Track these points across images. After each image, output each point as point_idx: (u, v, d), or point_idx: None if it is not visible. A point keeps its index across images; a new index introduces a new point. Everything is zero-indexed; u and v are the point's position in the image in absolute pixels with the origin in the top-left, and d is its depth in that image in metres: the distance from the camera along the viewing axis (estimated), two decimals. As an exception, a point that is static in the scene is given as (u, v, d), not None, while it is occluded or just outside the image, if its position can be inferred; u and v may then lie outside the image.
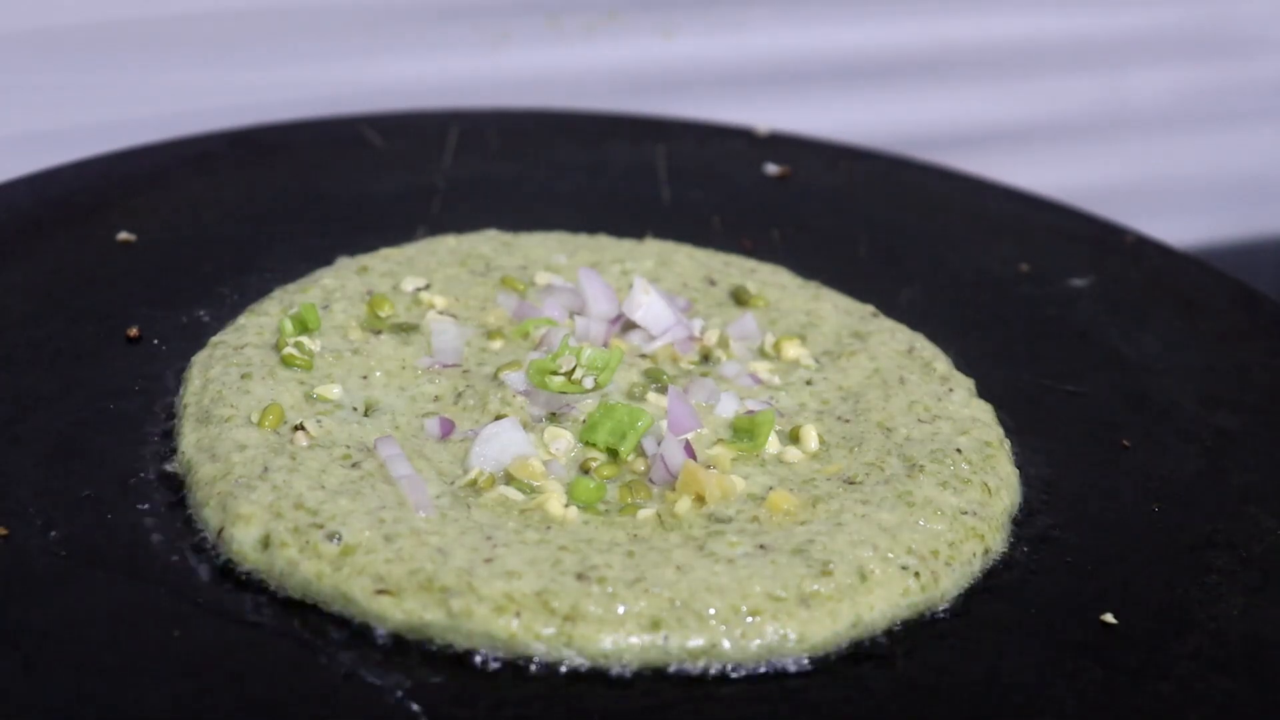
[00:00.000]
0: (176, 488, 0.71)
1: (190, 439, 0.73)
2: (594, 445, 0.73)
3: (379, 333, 0.80)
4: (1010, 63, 1.37)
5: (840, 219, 0.99)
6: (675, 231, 0.93)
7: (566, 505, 0.70)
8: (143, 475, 0.72)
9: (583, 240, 0.90)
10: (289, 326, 0.78)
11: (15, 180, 0.92)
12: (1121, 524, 0.74)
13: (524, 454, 0.72)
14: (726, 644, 0.65)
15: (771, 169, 1.03)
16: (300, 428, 0.72)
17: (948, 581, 0.69)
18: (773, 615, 0.66)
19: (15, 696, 0.60)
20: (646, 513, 0.70)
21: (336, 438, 0.73)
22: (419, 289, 0.83)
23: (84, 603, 0.65)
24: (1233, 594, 0.70)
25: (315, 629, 0.65)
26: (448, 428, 0.74)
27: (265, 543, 0.67)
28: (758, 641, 0.65)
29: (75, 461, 0.72)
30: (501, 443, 0.72)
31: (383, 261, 0.86)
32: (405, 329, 0.80)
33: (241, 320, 0.80)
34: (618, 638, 0.64)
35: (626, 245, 0.90)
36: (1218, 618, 0.69)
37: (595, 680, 0.64)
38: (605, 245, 0.90)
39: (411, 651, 0.64)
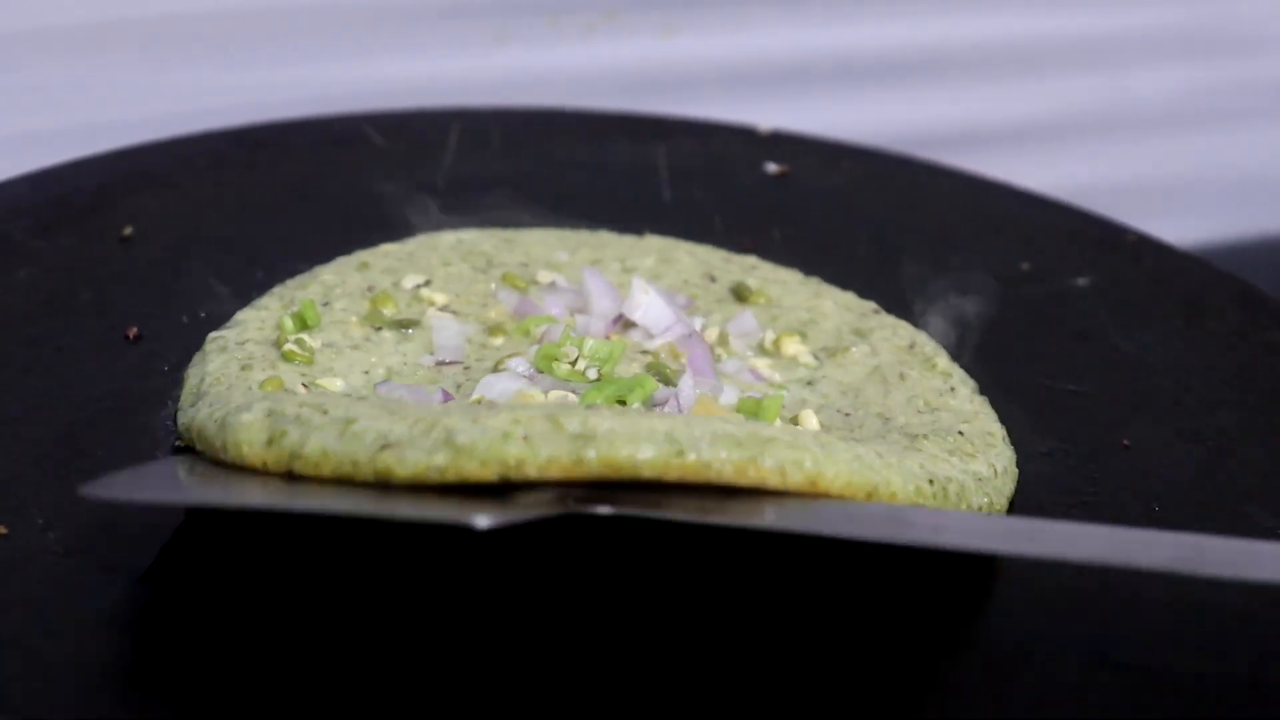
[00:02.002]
0: (176, 487, 0.71)
1: (185, 415, 0.72)
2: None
3: (379, 328, 0.80)
4: (1010, 63, 1.37)
5: (840, 218, 0.99)
6: (676, 231, 0.93)
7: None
8: (143, 475, 0.72)
9: (584, 236, 0.90)
10: (289, 324, 0.78)
11: (15, 179, 0.92)
12: (1121, 524, 0.74)
13: (525, 392, 0.72)
14: (743, 458, 0.64)
15: (771, 168, 1.03)
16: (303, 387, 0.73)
17: (961, 499, 0.70)
18: (790, 443, 0.65)
19: (16, 696, 0.60)
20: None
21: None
22: (419, 285, 0.83)
23: (84, 603, 0.65)
24: (1232, 594, 0.70)
25: (317, 628, 0.65)
26: (448, 399, 0.74)
27: (269, 440, 0.66)
28: (774, 465, 0.64)
29: (75, 461, 0.72)
30: (501, 388, 0.73)
31: (383, 258, 0.86)
32: (406, 324, 0.80)
33: (240, 316, 0.80)
34: (634, 448, 0.63)
35: (627, 241, 0.90)
36: (1218, 618, 0.69)
37: (597, 668, 0.64)
38: (606, 241, 0.90)
39: (415, 648, 0.64)
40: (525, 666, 0.64)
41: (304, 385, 0.75)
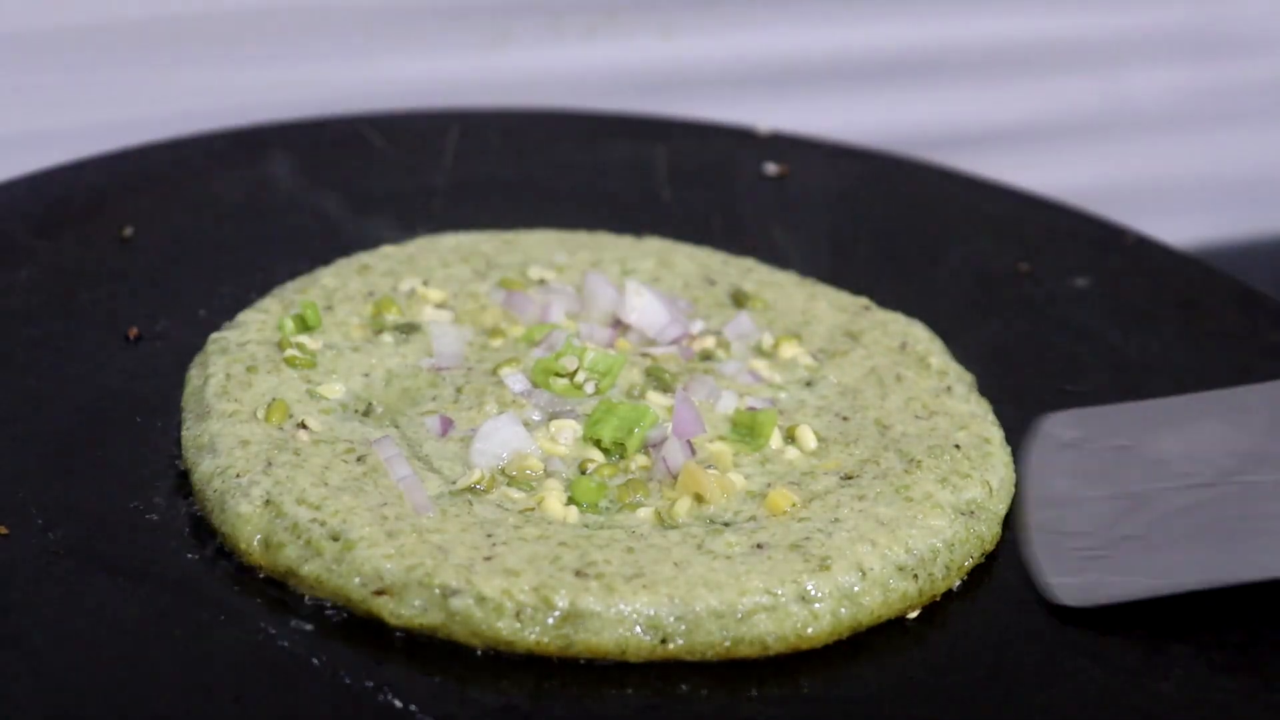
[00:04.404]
0: (177, 487, 0.71)
1: (190, 434, 0.73)
2: (599, 443, 0.73)
3: (380, 331, 0.80)
4: (1010, 63, 1.37)
5: (840, 219, 0.99)
6: (675, 231, 0.93)
7: (567, 504, 0.70)
8: (143, 475, 0.72)
9: (583, 239, 0.90)
10: (290, 325, 0.78)
11: (15, 180, 0.92)
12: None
13: (523, 449, 0.72)
14: (724, 640, 0.65)
15: (771, 169, 1.03)
16: (303, 425, 0.73)
17: (945, 581, 0.69)
18: (770, 610, 0.66)
19: (16, 696, 0.60)
20: (646, 511, 0.70)
21: (339, 434, 0.73)
22: (414, 288, 0.83)
23: (84, 603, 0.65)
24: (1233, 593, 0.70)
25: (316, 628, 0.65)
26: (447, 425, 0.74)
27: (266, 543, 0.67)
28: (755, 637, 0.65)
29: (75, 461, 0.72)
30: (501, 439, 0.72)
31: (383, 260, 0.86)
32: (406, 329, 0.80)
33: (242, 317, 0.80)
34: (617, 634, 0.64)
35: (626, 242, 0.90)
36: (1218, 618, 0.69)
37: (596, 676, 0.64)
38: (605, 243, 0.90)
39: (413, 650, 0.64)
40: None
41: (308, 392, 0.75)
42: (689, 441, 0.73)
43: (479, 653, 0.64)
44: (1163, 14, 1.40)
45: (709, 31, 1.28)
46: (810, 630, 0.66)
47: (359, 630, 0.65)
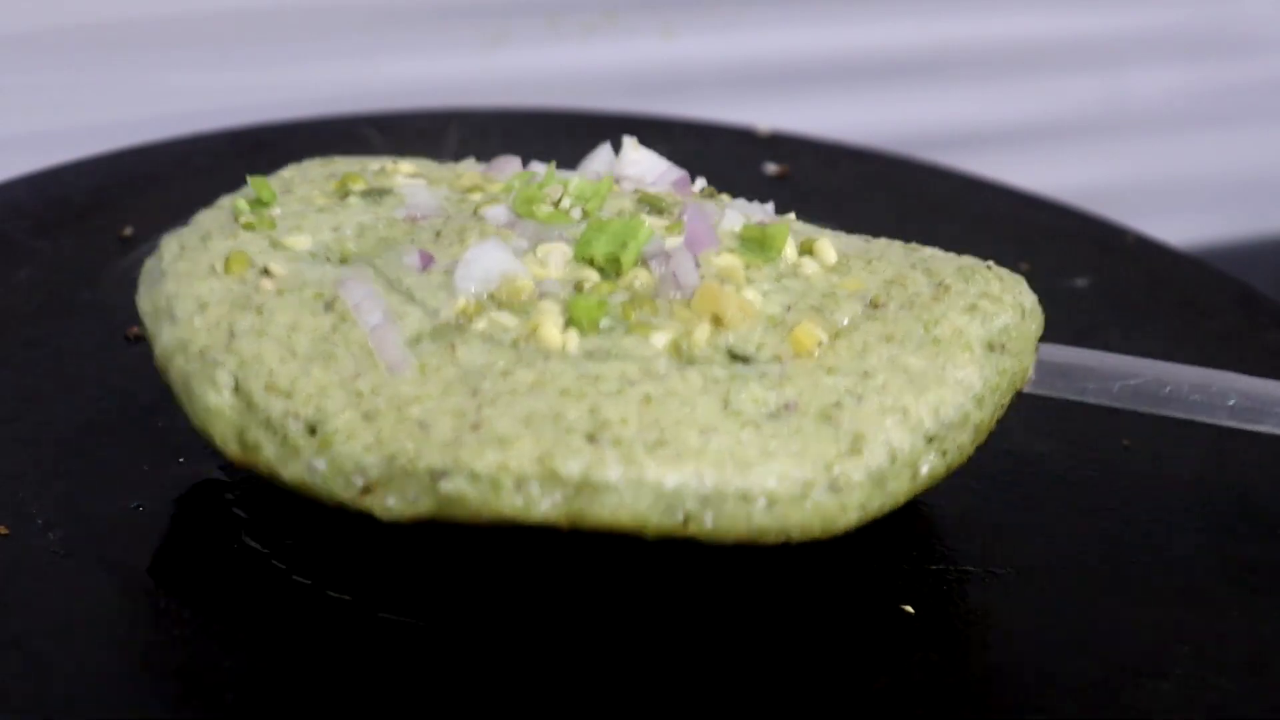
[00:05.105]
0: (177, 486, 0.71)
1: (146, 301, 0.67)
2: (591, 262, 0.67)
3: (346, 196, 0.73)
4: (1010, 63, 1.37)
5: (840, 219, 0.99)
6: (675, 231, 0.93)
7: (565, 329, 0.64)
8: (143, 475, 0.72)
9: None
10: (243, 204, 0.72)
11: (16, 180, 0.92)
12: (1122, 524, 0.74)
13: (512, 272, 0.66)
14: (749, 529, 0.61)
15: (771, 168, 1.03)
16: (266, 272, 0.67)
17: (974, 445, 0.67)
18: (800, 500, 0.62)
19: (15, 696, 0.60)
20: (661, 339, 0.64)
21: (307, 278, 0.67)
22: (383, 165, 0.77)
23: (84, 603, 0.65)
24: (1232, 595, 0.70)
25: (316, 626, 0.65)
26: (428, 260, 0.68)
27: (242, 442, 0.63)
28: (780, 529, 0.62)
29: (76, 461, 0.72)
30: (487, 262, 0.66)
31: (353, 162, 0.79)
32: (376, 193, 0.73)
33: (196, 217, 0.74)
34: (636, 510, 0.60)
35: None
36: (1218, 618, 0.69)
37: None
38: None
39: (416, 638, 0.64)
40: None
41: (270, 244, 0.69)
42: (697, 261, 0.67)
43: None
44: (1163, 14, 1.40)
45: (709, 31, 1.28)
46: (839, 524, 0.62)
47: (364, 620, 0.65)
